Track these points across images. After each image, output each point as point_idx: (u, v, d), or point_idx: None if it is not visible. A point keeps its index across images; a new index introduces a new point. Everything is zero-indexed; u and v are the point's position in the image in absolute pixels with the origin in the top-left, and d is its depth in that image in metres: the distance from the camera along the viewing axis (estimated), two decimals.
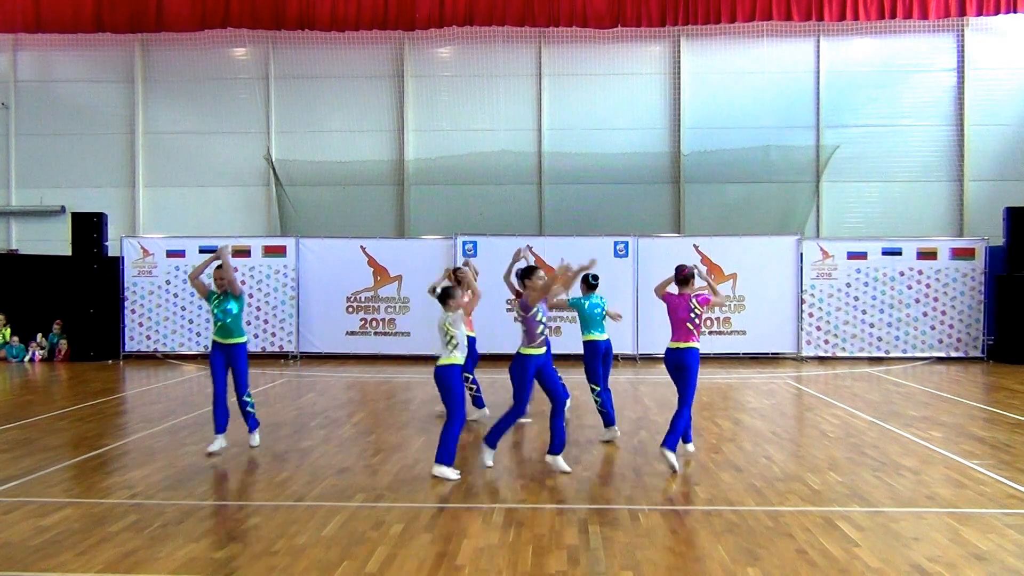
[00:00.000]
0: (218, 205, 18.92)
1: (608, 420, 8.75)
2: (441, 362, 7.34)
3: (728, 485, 6.93)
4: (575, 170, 18.26)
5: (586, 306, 8.88)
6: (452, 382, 7.26)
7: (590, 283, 8.96)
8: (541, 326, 7.40)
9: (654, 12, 17.92)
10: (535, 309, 7.38)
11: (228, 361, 8.35)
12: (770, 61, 18.30)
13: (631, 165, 18.18)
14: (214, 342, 8.36)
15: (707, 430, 9.30)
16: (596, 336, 8.86)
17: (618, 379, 13.86)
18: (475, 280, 9.19)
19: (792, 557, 5.18)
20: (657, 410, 10.66)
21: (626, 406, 11.03)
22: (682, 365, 7.50)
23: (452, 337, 7.29)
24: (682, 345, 7.53)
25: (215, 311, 8.29)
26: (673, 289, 7.82)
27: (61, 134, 19.14)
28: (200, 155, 18.98)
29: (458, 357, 7.29)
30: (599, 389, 8.81)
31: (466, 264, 10.09)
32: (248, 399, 8.53)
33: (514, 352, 7.55)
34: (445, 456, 7.20)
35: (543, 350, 7.47)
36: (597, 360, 8.85)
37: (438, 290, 7.77)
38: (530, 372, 7.45)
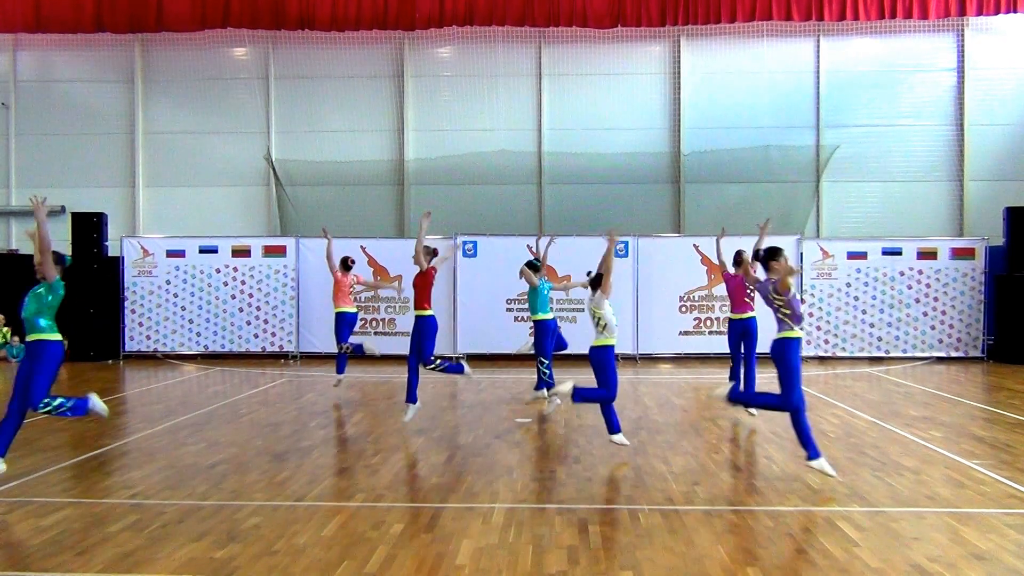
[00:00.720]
0: (218, 205, 18.93)
1: (550, 386, 10.17)
2: (594, 343, 7.87)
3: (728, 485, 6.93)
4: (575, 170, 18.26)
5: (545, 291, 10.20)
6: (605, 361, 7.81)
7: (536, 268, 10.23)
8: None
9: (654, 12, 17.92)
10: (793, 290, 7.17)
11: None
12: (770, 61, 18.31)
13: (631, 165, 18.18)
14: None
15: (707, 430, 9.30)
16: (548, 316, 10.32)
17: (618, 379, 13.84)
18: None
19: (792, 557, 5.18)
20: (657, 410, 10.66)
21: (626, 406, 11.03)
22: (748, 331, 9.56)
23: (600, 319, 7.77)
24: (745, 315, 9.59)
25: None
26: (731, 270, 9.92)
27: (61, 134, 19.15)
28: (200, 155, 18.99)
29: (609, 338, 7.79)
30: (547, 362, 10.38)
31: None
32: (46, 408, 6.87)
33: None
34: (613, 426, 7.93)
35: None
36: (550, 337, 10.32)
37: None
38: (798, 355, 6.99)
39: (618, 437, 8.01)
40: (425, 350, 9.44)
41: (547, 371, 10.42)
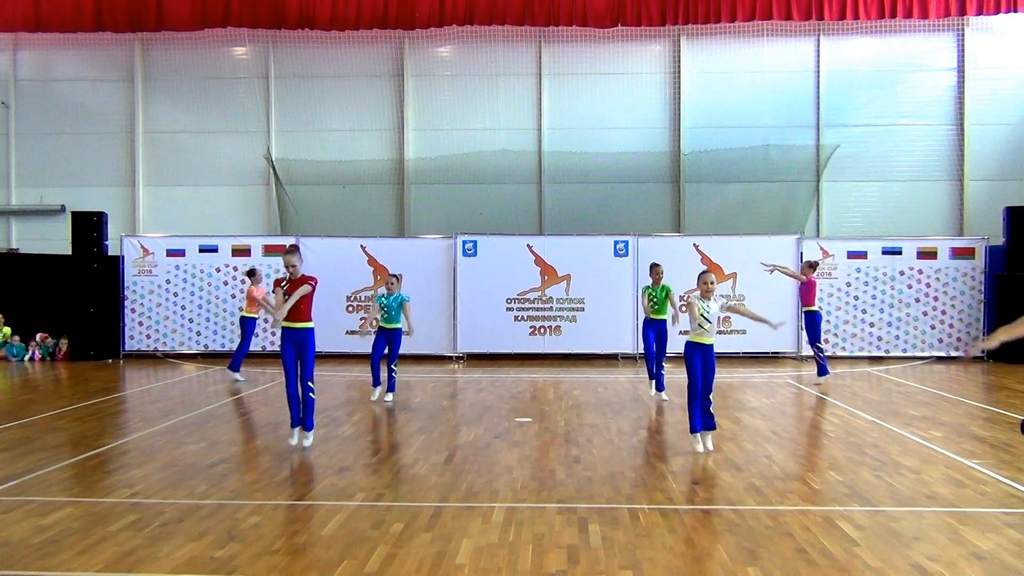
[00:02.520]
0: (218, 205, 18.92)
1: (392, 386, 11.35)
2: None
3: (728, 485, 6.92)
4: (575, 170, 18.26)
5: (395, 304, 11.15)
6: (686, 356, 8.20)
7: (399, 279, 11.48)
8: None
9: (654, 11, 17.92)
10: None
11: None
12: (770, 60, 18.30)
13: (631, 165, 18.18)
14: None
15: None
16: (399, 324, 11.20)
17: (618, 379, 13.88)
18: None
19: (792, 557, 5.18)
20: (657, 410, 10.66)
21: (626, 406, 11.04)
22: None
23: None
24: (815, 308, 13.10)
25: None
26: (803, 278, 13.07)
27: (61, 134, 19.14)
28: (200, 154, 18.98)
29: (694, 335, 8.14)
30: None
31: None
32: None
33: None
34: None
35: None
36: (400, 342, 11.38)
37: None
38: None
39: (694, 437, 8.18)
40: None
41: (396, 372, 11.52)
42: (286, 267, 8.24)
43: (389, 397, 11.31)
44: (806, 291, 13.17)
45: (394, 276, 11.54)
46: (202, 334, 16.99)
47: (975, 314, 16.46)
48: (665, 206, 18.44)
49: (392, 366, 11.30)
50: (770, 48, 18.28)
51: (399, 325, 11.20)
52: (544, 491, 6.73)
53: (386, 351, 11.40)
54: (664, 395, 11.35)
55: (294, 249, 8.31)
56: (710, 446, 8.13)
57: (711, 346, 8.13)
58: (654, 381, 11.44)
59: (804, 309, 13.29)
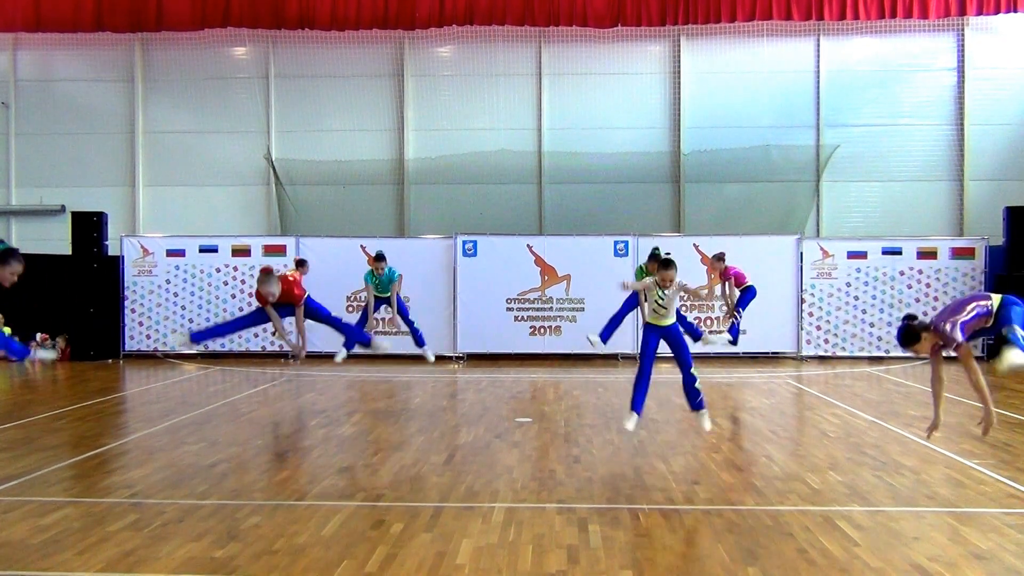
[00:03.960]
0: (218, 205, 18.92)
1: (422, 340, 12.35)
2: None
3: (728, 485, 6.92)
4: (575, 170, 18.26)
5: (386, 280, 11.78)
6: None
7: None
8: None
9: (654, 12, 17.92)
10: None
11: None
12: (770, 61, 18.30)
13: (631, 165, 18.18)
14: None
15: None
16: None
17: (618, 379, 13.87)
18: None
19: (792, 557, 5.18)
20: (657, 409, 10.65)
21: (626, 405, 11.01)
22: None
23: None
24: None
25: None
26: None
27: (61, 134, 19.14)
28: (200, 155, 18.97)
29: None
30: None
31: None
32: None
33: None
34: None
35: None
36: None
37: None
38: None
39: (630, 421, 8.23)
40: None
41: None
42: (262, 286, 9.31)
43: (430, 355, 12.71)
44: (737, 278, 12.43)
45: (379, 256, 12.15)
46: None
47: None
48: (665, 206, 18.44)
49: (409, 318, 12.17)
50: (770, 48, 18.28)
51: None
52: (544, 491, 6.73)
53: (387, 314, 12.25)
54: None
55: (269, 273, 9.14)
56: (707, 425, 8.28)
57: (671, 326, 8.29)
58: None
59: (742, 288, 12.37)
